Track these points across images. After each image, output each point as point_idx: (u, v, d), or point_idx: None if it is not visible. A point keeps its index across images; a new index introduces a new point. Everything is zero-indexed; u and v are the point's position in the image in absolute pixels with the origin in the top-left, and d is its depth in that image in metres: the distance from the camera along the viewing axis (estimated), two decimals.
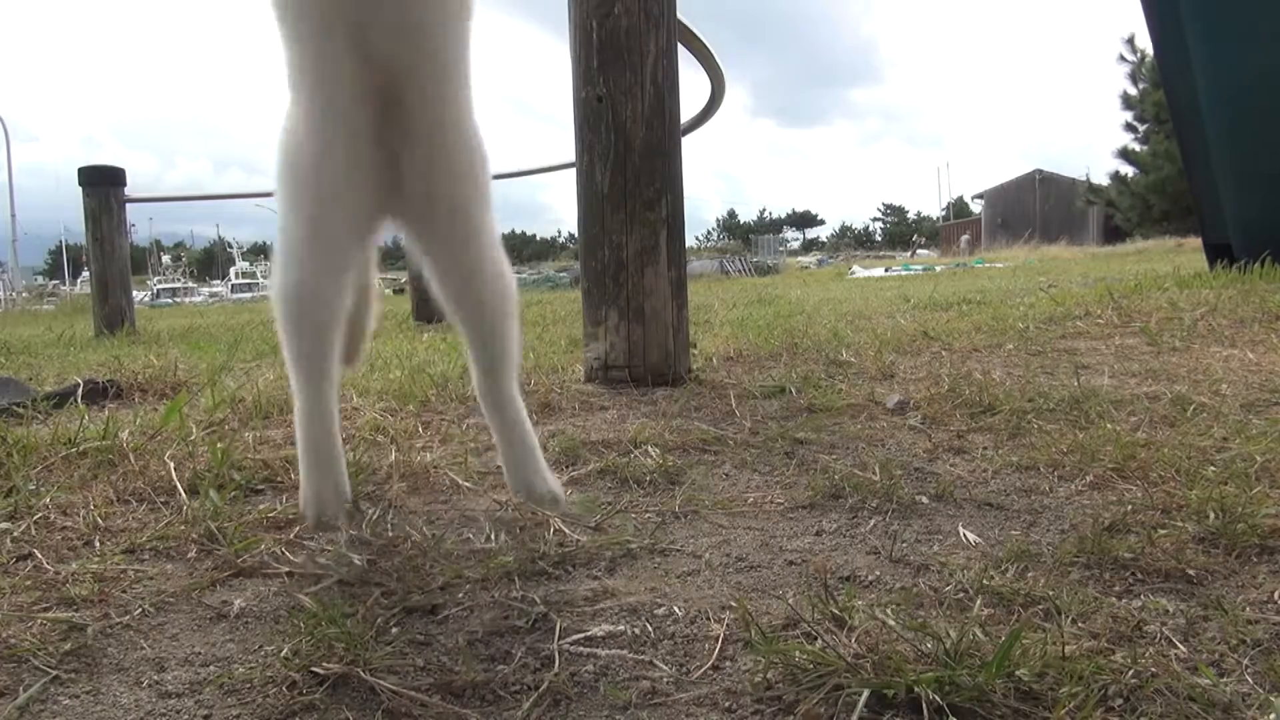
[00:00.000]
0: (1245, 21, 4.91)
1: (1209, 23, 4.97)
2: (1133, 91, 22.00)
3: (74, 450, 1.52)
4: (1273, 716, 0.71)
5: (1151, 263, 9.72)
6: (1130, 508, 1.22)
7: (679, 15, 2.40)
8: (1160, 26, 5.47)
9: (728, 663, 0.86)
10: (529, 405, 2.06)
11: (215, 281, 60.14)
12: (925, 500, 1.34)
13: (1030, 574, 1.02)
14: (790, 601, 0.97)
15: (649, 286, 2.30)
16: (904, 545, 1.15)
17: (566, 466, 1.58)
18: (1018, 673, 0.76)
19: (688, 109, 3.95)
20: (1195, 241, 13.14)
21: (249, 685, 0.83)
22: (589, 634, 0.92)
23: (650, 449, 1.63)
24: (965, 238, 40.38)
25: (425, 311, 6.15)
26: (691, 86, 2.87)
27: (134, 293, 7.07)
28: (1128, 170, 22.94)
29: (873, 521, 1.26)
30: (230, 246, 70.81)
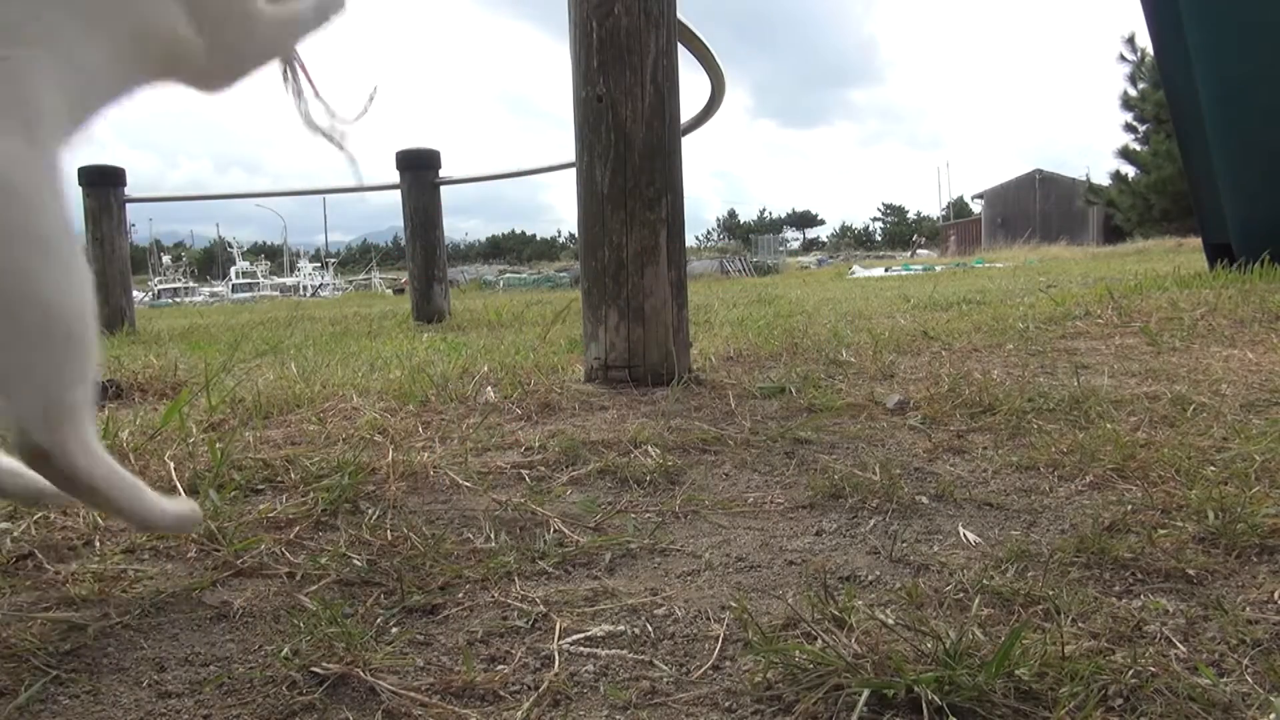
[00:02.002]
0: (1245, 21, 4.91)
1: (1209, 22, 4.97)
2: (1133, 91, 22.03)
3: None
4: (1273, 716, 0.71)
5: (1151, 263, 9.72)
6: (1130, 508, 1.22)
7: (679, 15, 2.40)
8: (1160, 26, 5.47)
9: (728, 663, 0.86)
10: (529, 405, 2.06)
11: (216, 281, 60.16)
12: (925, 500, 1.34)
13: (1030, 574, 1.02)
14: (790, 601, 0.97)
15: (649, 286, 2.30)
16: (904, 545, 1.15)
17: (566, 466, 1.58)
18: (1018, 673, 0.76)
19: (688, 109, 3.96)
20: (1195, 241, 13.13)
21: (249, 685, 0.83)
22: (589, 634, 0.92)
23: (650, 449, 1.63)
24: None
25: (425, 311, 6.16)
26: (691, 86, 2.87)
27: (134, 293, 7.07)
28: (1128, 170, 22.96)
29: (873, 521, 1.26)
30: (231, 246, 70.87)
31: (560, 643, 0.90)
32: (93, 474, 0.85)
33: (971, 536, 1.18)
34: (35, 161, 0.79)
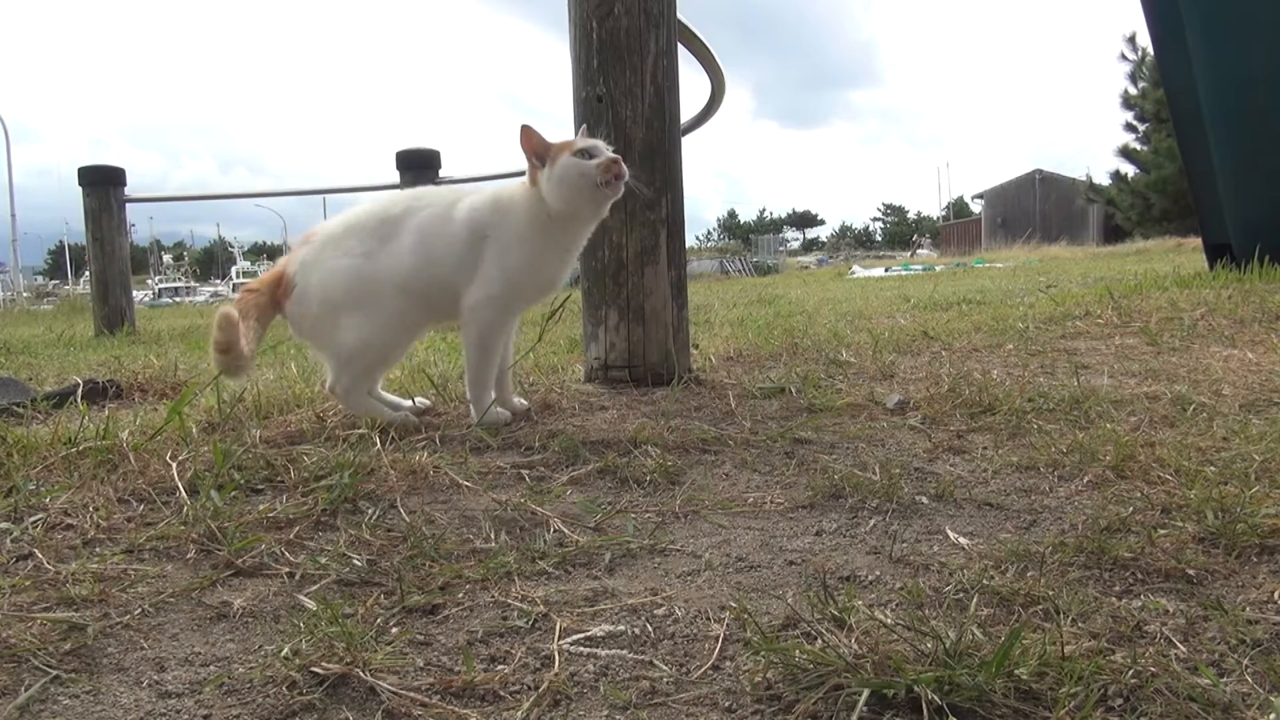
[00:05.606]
0: (1245, 21, 4.90)
1: (1209, 22, 4.97)
2: (1133, 90, 22.01)
3: (74, 450, 1.52)
4: (1273, 716, 0.71)
5: (1151, 263, 9.72)
6: (1130, 508, 1.22)
7: (679, 15, 2.40)
8: (1160, 26, 5.47)
9: (728, 663, 0.86)
10: (530, 405, 2.06)
11: (216, 281, 60.14)
12: (925, 500, 1.34)
13: (1030, 574, 1.02)
14: (790, 601, 0.97)
15: (649, 286, 2.30)
16: (904, 545, 1.15)
17: (566, 466, 1.58)
18: (1017, 672, 0.76)
19: (688, 109, 3.95)
20: (1195, 241, 13.14)
21: (249, 685, 0.83)
22: (589, 634, 0.92)
23: (650, 449, 1.63)
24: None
25: None
26: (691, 87, 2.87)
27: (134, 292, 7.08)
28: (1128, 169, 22.94)
29: (873, 521, 1.26)
30: (231, 246, 70.86)
31: (560, 643, 0.90)
32: None
33: (971, 537, 1.18)
34: None
